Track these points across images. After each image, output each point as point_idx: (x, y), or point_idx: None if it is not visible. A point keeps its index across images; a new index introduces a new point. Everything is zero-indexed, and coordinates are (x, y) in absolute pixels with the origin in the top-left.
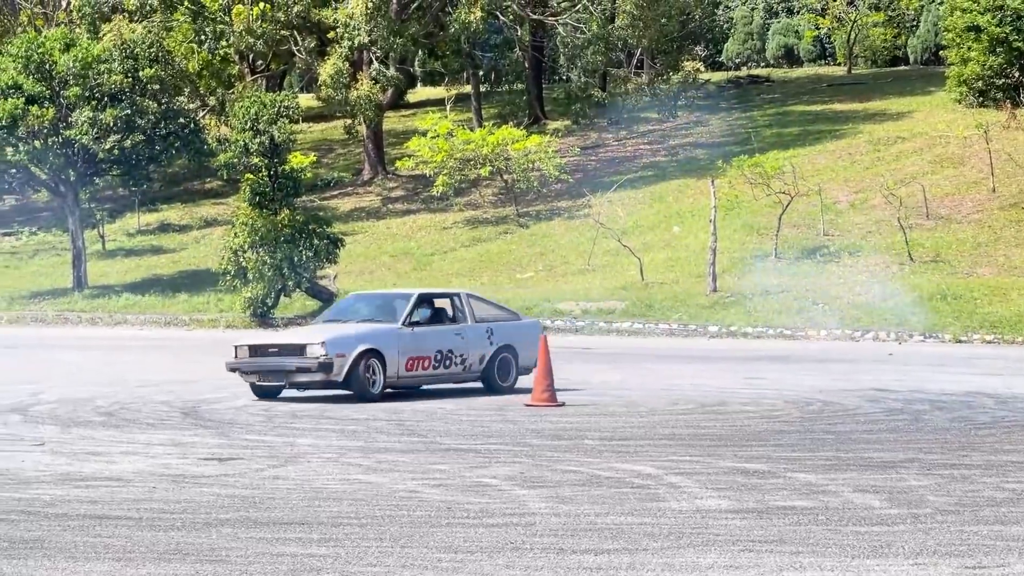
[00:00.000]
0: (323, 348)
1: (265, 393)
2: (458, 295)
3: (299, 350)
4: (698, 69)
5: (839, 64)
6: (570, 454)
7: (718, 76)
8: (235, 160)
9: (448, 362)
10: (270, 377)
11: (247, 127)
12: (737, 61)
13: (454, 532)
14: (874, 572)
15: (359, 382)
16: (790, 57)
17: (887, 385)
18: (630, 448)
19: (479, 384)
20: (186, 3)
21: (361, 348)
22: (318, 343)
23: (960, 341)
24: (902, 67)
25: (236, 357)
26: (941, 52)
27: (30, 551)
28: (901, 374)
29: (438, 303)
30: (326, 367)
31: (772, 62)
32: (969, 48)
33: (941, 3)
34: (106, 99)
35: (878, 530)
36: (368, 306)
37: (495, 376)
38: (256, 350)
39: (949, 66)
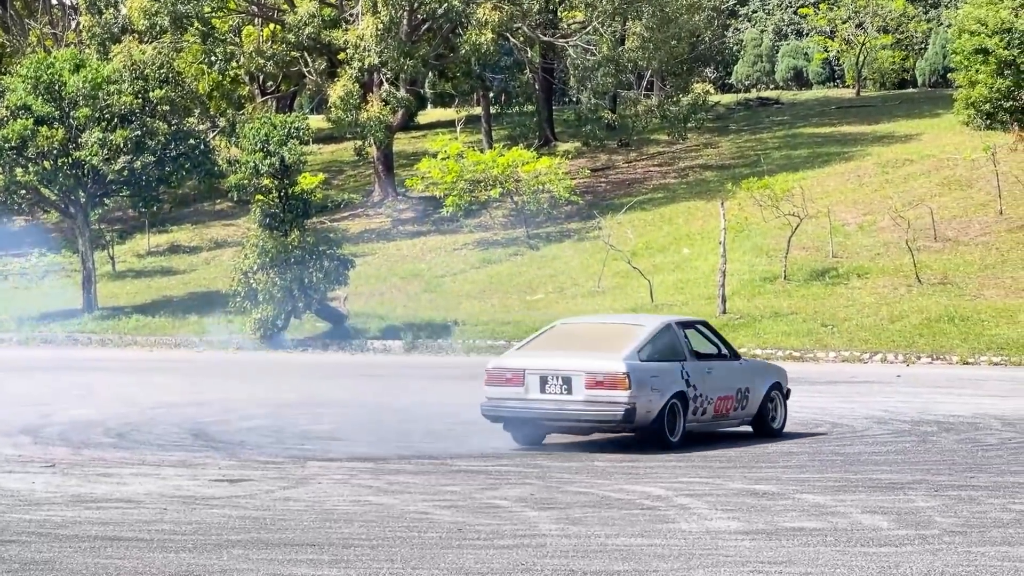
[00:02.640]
0: None
1: None
2: None
3: None
4: (708, 91)
5: (848, 86)
6: (580, 476)
7: (728, 98)
8: (245, 181)
9: None
10: None
11: (257, 148)
12: (747, 83)
13: (465, 554)
14: None
15: None
16: (799, 79)
17: (895, 407)
18: (640, 470)
19: None
20: (196, 24)
21: None
22: None
23: (967, 363)
24: (910, 89)
25: None
26: (949, 75)
27: (41, 573)
28: (909, 396)
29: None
30: None
31: (781, 84)
32: (977, 71)
33: (949, 26)
34: (116, 120)
35: (886, 551)
36: None
37: None
38: None
39: (957, 88)
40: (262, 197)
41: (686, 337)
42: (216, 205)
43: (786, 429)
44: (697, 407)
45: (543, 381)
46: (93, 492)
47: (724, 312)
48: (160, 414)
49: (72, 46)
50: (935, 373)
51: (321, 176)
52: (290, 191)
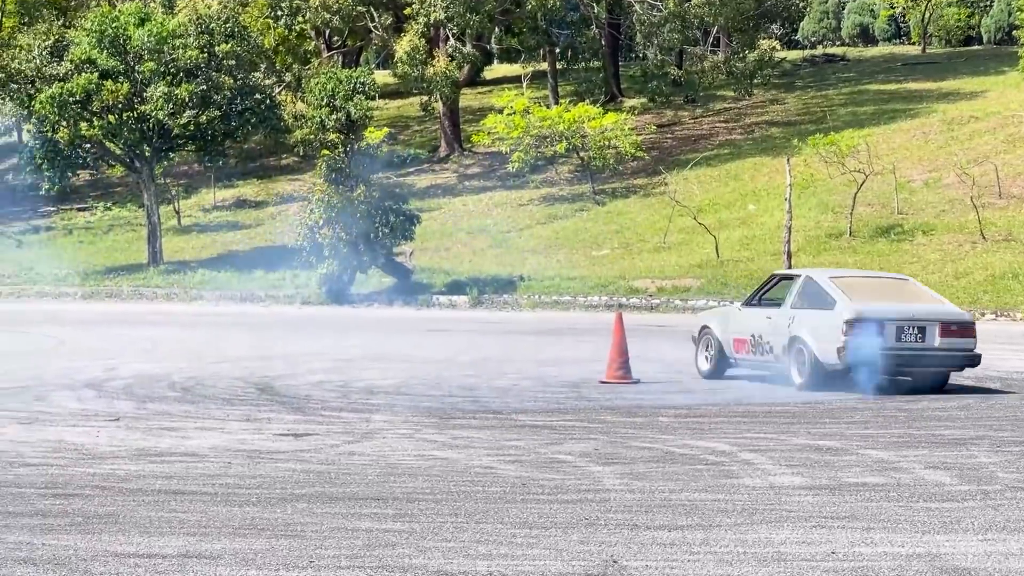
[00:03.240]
0: None
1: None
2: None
3: None
4: (774, 47)
5: (913, 43)
6: (644, 431)
7: (794, 55)
8: (311, 136)
9: None
10: None
11: (323, 103)
12: (813, 40)
13: (529, 508)
14: (944, 548)
15: None
16: (865, 36)
17: None
18: (704, 425)
19: None
20: None
21: None
22: None
23: None
24: (975, 47)
25: None
26: (1014, 32)
27: (105, 526)
28: None
29: None
30: None
31: (847, 41)
32: None
33: None
34: (181, 74)
35: (949, 506)
36: None
37: None
38: None
39: (1022, 46)
40: (328, 152)
41: None
42: (282, 160)
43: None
44: None
45: (899, 330)
46: (157, 446)
47: (790, 268)
48: (225, 368)
49: (137, 0)
50: (999, 329)
51: (385, 129)
52: (356, 146)
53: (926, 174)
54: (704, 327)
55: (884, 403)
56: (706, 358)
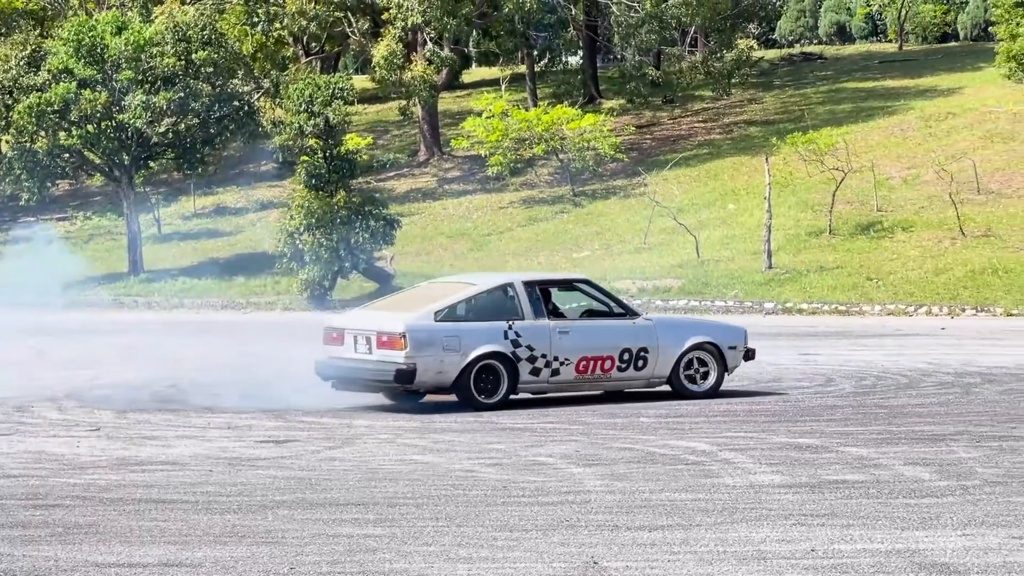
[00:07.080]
0: None
1: None
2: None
3: None
4: (751, 47)
5: (890, 41)
6: (625, 432)
7: (771, 54)
8: (290, 142)
9: None
10: None
11: (302, 109)
12: (790, 39)
13: (510, 511)
14: (923, 543)
15: None
16: (842, 34)
17: (939, 359)
18: (685, 425)
19: None
20: None
21: None
22: None
23: (1011, 315)
24: (952, 43)
25: None
26: (990, 28)
27: (85, 536)
28: (953, 348)
29: None
30: None
31: (824, 39)
32: (1018, 24)
33: None
34: (159, 82)
35: (927, 502)
36: None
37: None
38: None
39: (998, 42)
40: (307, 158)
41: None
42: (261, 166)
43: (836, 381)
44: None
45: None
46: (138, 455)
47: (770, 267)
48: (206, 376)
49: (114, 8)
50: (979, 325)
51: (368, 138)
52: (335, 151)
53: (904, 171)
54: None
55: (864, 400)
56: None
